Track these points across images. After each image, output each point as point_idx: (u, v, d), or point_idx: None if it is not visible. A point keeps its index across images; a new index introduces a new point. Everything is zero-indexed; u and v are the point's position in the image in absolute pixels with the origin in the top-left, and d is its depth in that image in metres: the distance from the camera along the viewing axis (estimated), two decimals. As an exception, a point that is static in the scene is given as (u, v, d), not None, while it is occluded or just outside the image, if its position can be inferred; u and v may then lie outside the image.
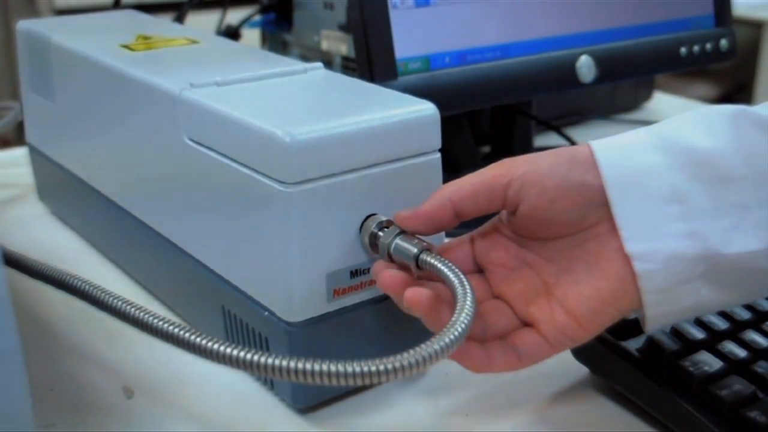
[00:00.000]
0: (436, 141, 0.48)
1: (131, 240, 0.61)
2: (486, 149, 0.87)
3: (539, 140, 0.90)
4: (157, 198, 0.57)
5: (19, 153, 0.86)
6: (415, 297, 0.42)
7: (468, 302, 0.40)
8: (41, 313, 0.60)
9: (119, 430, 0.48)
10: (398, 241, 0.44)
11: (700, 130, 0.41)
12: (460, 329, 0.39)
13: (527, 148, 0.84)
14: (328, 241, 0.45)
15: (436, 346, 0.37)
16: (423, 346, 0.37)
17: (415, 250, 0.43)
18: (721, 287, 0.41)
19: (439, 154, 0.49)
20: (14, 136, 1.08)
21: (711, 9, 0.86)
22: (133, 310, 0.44)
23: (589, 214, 0.42)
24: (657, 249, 0.40)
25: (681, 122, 0.43)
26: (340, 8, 0.76)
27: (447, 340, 0.38)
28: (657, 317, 0.42)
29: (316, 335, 0.46)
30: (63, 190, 0.72)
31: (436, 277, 0.43)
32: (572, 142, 0.83)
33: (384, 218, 0.46)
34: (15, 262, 0.52)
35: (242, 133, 0.46)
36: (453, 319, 0.39)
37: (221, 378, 0.52)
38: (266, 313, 0.47)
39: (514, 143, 0.83)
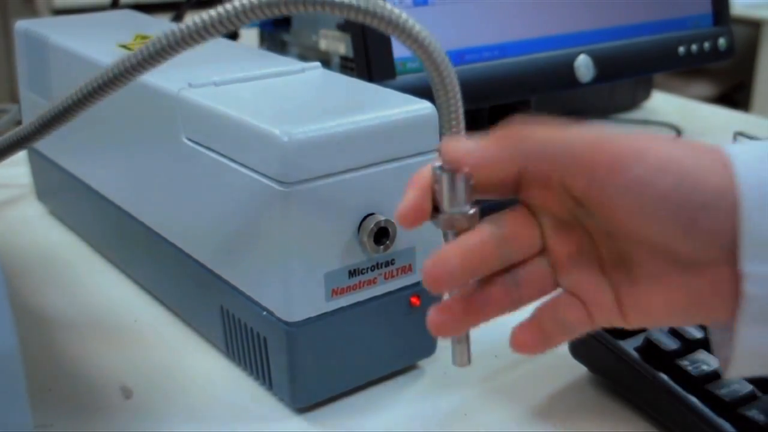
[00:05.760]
0: (435, 140, 0.48)
1: (129, 240, 0.61)
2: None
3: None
4: (155, 197, 0.57)
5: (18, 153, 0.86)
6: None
7: None
8: (40, 313, 0.60)
9: (118, 430, 0.48)
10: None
11: None
12: None
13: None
14: (327, 241, 0.45)
15: None
16: None
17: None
18: None
19: (437, 154, 0.48)
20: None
21: (709, 8, 0.86)
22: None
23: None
24: None
25: None
26: (338, 8, 0.76)
27: None
28: (744, 356, 0.35)
29: (314, 335, 0.46)
30: (61, 190, 0.72)
31: None
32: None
33: (383, 218, 0.46)
34: None
35: (240, 133, 0.46)
36: None
37: (220, 378, 0.52)
38: (265, 312, 0.47)
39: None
